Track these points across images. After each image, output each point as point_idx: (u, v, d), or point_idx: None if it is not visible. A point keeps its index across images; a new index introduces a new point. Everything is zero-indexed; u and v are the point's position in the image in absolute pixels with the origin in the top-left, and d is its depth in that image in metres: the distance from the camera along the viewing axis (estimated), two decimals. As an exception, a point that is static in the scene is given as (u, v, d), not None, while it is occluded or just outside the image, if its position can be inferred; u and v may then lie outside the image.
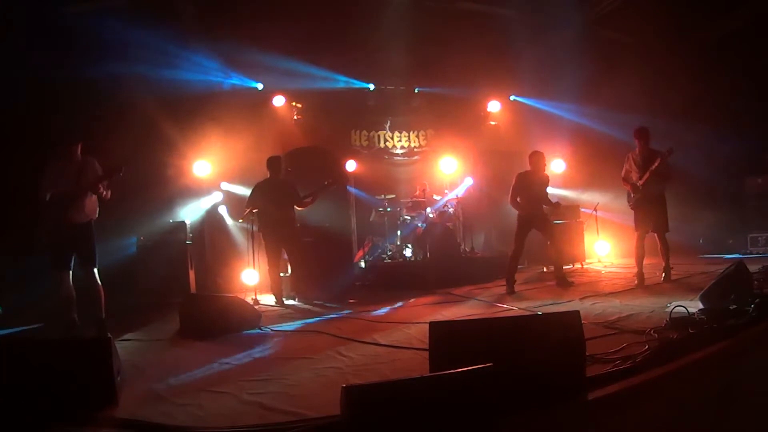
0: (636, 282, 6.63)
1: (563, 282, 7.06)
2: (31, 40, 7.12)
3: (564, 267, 7.63)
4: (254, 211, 7.22)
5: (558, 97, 10.57)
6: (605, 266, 9.34)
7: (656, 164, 6.43)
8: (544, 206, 7.25)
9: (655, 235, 6.72)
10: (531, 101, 11.26)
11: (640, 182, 6.61)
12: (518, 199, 7.05)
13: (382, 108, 10.80)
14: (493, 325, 3.24)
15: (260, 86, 9.70)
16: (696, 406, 3.07)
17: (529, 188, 7.05)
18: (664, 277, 6.72)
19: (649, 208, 6.62)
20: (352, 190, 10.08)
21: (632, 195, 6.77)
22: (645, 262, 6.71)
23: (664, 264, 6.76)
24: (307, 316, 6.27)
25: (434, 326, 2.93)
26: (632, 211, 6.85)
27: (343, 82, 9.97)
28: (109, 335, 3.83)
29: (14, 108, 6.96)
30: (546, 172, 7.36)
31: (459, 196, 10.01)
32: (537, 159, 7.13)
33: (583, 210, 10.03)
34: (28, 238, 6.53)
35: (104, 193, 5.27)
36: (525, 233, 7.11)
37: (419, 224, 9.43)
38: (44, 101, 7.21)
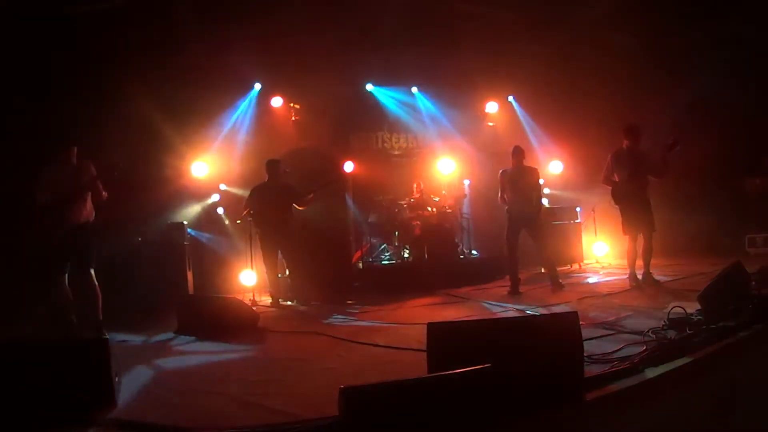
0: (630, 284, 6.61)
1: (556, 284, 6.92)
2: (30, 40, 7.11)
3: (558, 268, 7.54)
4: (251, 212, 7.22)
5: (556, 98, 10.58)
6: (603, 267, 9.34)
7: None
8: (533, 201, 7.07)
9: (642, 236, 6.52)
10: (528, 103, 11.28)
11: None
12: (505, 197, 7.04)
13: (380, 108, 10.79)
14: (492, 326, 3.25)
15: (258, 86, 9.69)
16: (694, 407, 3.08)
17: (514, 184, 6.98)
18: (643, 280, 6.54)
19: (637, 210, 6.48)
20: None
21: (617, 193, 6.62)
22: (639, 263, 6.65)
23: (644, 268, 6.57)
24: (305, 317, 6.28)
25: (432, 327, 2.93)
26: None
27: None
28: (107, 336, 3.83)
29: (14, 109, 6.94)
30: (526, 164, 7.18)
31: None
32: (514, 154, 7.08)
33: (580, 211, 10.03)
34: (23, 242, 6.50)
35: (102, 194, 5.26)
36: (516, 230, 7.02)
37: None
38: (43, 102, 7.19)
